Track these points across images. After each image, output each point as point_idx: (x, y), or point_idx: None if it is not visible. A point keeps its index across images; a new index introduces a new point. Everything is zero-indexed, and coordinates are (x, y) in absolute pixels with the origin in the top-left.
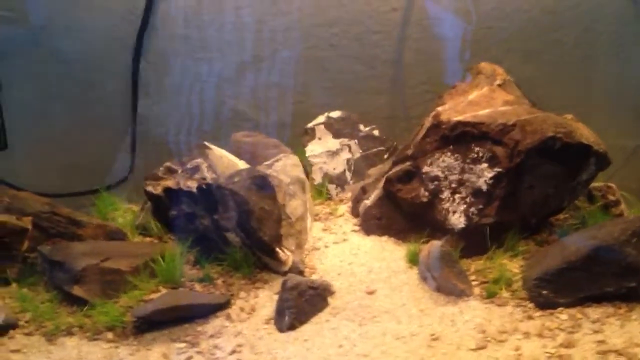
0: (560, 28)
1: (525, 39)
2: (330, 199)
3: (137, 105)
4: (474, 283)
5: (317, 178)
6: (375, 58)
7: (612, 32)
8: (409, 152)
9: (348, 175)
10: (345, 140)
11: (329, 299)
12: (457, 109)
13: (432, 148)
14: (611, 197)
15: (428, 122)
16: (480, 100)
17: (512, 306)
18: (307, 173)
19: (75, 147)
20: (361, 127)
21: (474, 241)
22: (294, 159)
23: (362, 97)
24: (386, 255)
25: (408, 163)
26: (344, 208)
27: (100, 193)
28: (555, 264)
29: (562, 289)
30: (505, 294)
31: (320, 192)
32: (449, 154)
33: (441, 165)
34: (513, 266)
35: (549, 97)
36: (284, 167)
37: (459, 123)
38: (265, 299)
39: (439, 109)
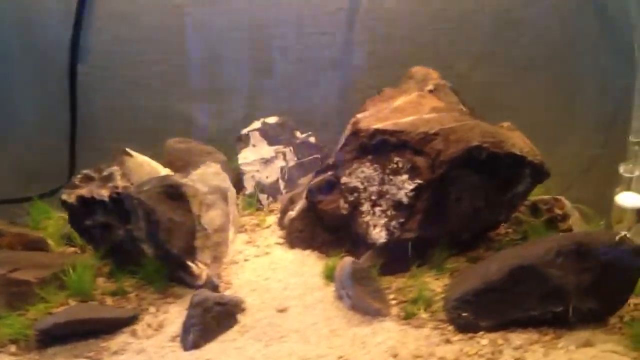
0: (516, 28)
1: (478, 40)
2: (260, 209)
3: (75, 108)
4: (392, 302)
5: (249, 187)
6: (321, 60)
7: (572, 33)
8: (331, 161)
9: (281, 184)
10: (281, 148)
11: (239, 317)
12: (379, 115)
13: (351, 157)
14: (558, 211)
15: (348, 130)
16: (406, 107)
17: (430, 328)
18: (240, 182)
19: (13, 152)
20: (298, 133)
21: (397, 257)
22: (215, 167)
23: (308, 101)
24: (305, 271)
25: (329, 173)
26: (273, 219)
27: (34, 201)
28: (475, 284)
29: (484, 311)
30: (424, 314)
31: (251, 203)
32: (367, 164)
33: (360, 175)
34: (437, 285)
35: (503, 102)
36: (202, 176)
37: (378, 131)
38: (175, 314)
39: (359, 115)
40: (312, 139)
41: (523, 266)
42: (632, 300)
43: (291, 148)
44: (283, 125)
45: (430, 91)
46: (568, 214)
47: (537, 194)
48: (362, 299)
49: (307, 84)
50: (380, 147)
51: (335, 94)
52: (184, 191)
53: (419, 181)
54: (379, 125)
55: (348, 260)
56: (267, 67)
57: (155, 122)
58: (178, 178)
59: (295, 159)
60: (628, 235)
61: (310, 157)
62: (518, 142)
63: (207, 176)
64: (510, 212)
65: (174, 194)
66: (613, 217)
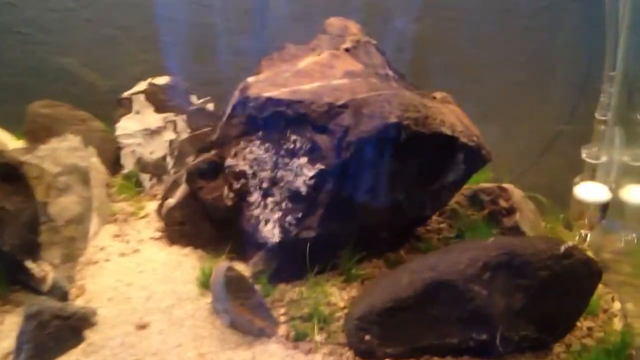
0: None
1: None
2: (141, 193)
3: None
4: (282, 319)
5: (128, 165)
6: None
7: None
8: (214, 137)
9: (169, 162)
10: (171, 116)
11: (87, 333)
12: (276, 80)
13: (238, 133)
14: (503, 204)
15: (234, 97)
16: (312, 70)
17: (323, 354)
18: (118, 157)
19: None
20: (193, 99)
21: (293, 260)
22: (72, 141)
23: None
24: (177, 276)
25: (213, 152)
26: (153, 207)
27: None
28: (382, 300)
29: (391, 334)
30: (318, 336)
31: (128, 185)
32: (258, 142)
33: (249, 157)
34: (342, 297)
35: (462, 75)
36: (53, 152)
37: (270, 101)
38: (11, 326)
39: (250, 79)
40: (210, 106)
41: (440, 282)
42: (586, 324)
43: (184, 117)
44: (175, 88)
45: (347, 50)
46: (515, 207)
47: (483, 180)
48: (241, 315)
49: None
50: (273, 121)
51: (248, 54)
52: (24, 172)
53: (321, 166)
54: (272, 93)
55: (222, 266)
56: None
57: (26, 78)
58: (17, 154)
59: (189, 130)
60: (587, 238)
61: (207, 129)
62: (450, 119)
63: (59, 152)
64: (437, 206)
65: (10, 175)
66: (572, 212)
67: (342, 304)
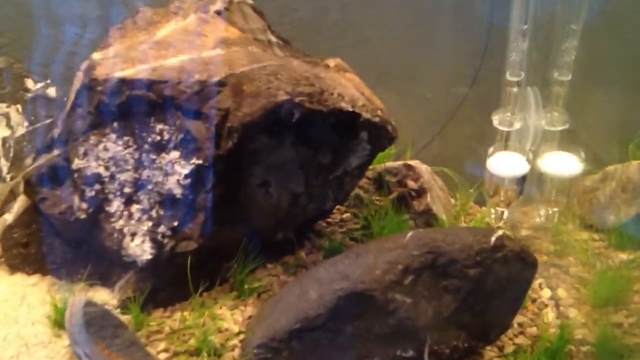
0: None
1: None
2: None
3: None
4: (163, 356)
5: None
6: None
7: None
8: (56, 132)
9: (4, 165)
10: (2, 107)
11: None
12: (130, 55)
13: (86, 127)
14: (411, 184)
15: (77, 80)
16: (177, 39)
17: None
18: None
19: None
20: (29, 83)
21: (171, 280)
22: None
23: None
24: (22, 314)
25: (56, 152)
26: None
27: None
28: (287, 321)
29: None
30: None
31: None
32: (113, 136)
33: (103, 156)
34: (235, 318)
35: (350, 36)
36: None
37: (124, 82)
38: None
39: (96, 55)
40: (51, 91)
41: (355, 293)
42: (516, 319)
43: (18, 107)
44: (6, 71)
45: (219, 12)
46: (424, 187)
47: (385, 158)
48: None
49: None
50: (131, 108)
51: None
52: None
53: (198, 161)
54: (127, 73)
55: (78, 300)
56: None
57: None
58: None
59: (26, 123)
60: (504, 215)
61: (49, 121)
62: (349, 91)
63: None
64: (341, 196)
65: None
66: (486, 187)
67: (236, 329)
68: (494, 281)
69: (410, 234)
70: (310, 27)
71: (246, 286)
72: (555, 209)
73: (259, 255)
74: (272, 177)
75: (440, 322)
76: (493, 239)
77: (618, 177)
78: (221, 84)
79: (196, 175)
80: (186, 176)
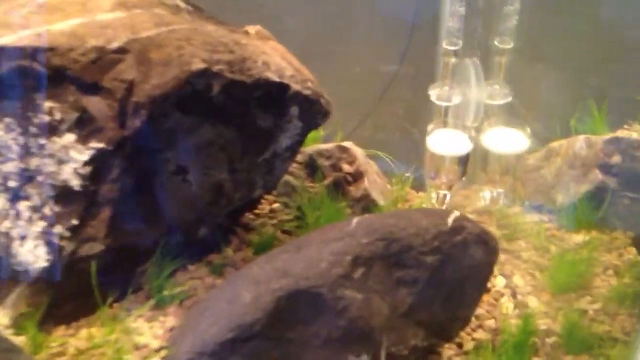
0: None
1: None
2: None
3: None
4: None
5: None
6: None
7: None
8: None
9: None
10: None
11: None
12: (7, 20)
13: None
14: (347, 168)
15: None
16: (65, 2)
17: None
18: None
19: None
20: None
21: (74, 290)
22: None
23: None
24: None
25: None
26: None
27: None
28: (219, 330)
29: None
30: None
31: None
32: None
33: None
34: (155, 331)
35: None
36: None
37: (2, 51)
38: None
39: None
40: None
41: (298, 292)
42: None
43: None
44: None
45: None
46: (361, 171)
47: (314, 140)
48: None
49: None
50: (12, 83)
51: None
52: None
53: (99, 145)
54: (4, 40)
55: None
56: None
57: None
58: None
59: None
60: (447, 199)
61: None
62: (275, 59)
63: None
64: (270, 182)
65: None
66: (426, 169)
67: (156, 344)
68: (454, 269)
69: (357, 219)
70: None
71: (166, 293)
72: (501, 191)
73: (179, 255)
74: (190, 162)
75: (396, 320)
76: (450, 220)
77: (564, 153)
78: (123, 50)
79: (98, 162)
80: (85, 164)
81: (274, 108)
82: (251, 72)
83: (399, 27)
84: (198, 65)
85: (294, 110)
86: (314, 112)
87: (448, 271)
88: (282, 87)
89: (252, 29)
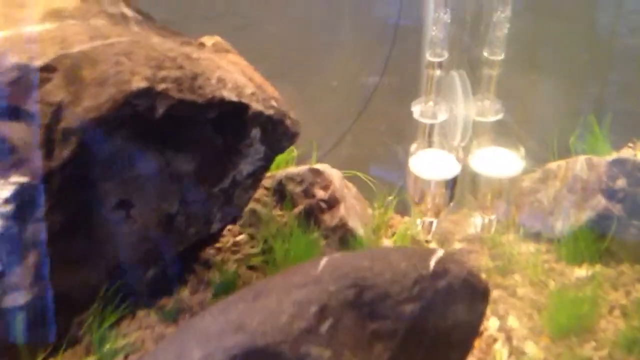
0: None
1: None
2: None
3: None
4: None
5: None
6: None
7: None
8: None
9: None
10: None
11: None
12: None
13: None
14: (320, 194)
15: None
16: None
17: None
18: None
19: None
20: None
21: (1, 348)
22: None
23: None
24: None
25: None
26: None
27: None
28: None
29: None
30: None
31: None
32: None
33: None
34: None
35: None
36: None
37: None
38: None
39: None
40: None
41: (255, 351)
42: None
43: None
44: None
45: None
46: (337, 197)
47: (286, 162)
48: None
49: None
50: None
51: None
52: None
53: (22, 179)
54: None
55: None
56: None
57: None
58: None
59: None
60: (433, 226)
61: None
62: (232, 75)
63: None
64: (230, 214)
65: None
66: (409, 193)
67: None
68: (437, 319)
69: (324, 261)
70: (185, 8)
71: (108, 346)
72: (493, 217)
73: (124, 301)
74: (133, 194)
75: None
76: (433, 262)
77: (562, 176)
78: (50, 68)
79: (21, 198)
80: (6, 201)
81: (231, 131)
82: (203, 91)
83: (381, 35)
84: (138, 84)
85: (255, 133)
86: (278, 134)
87: (430, 321)
88: (241, 107)
89: (208, 40)
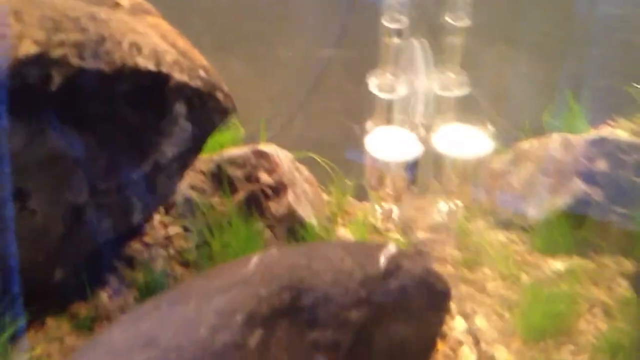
0: None
1: None
2: None
3: None
4: None
5: None
6: None
7: None
8: None
9: None
10: None
11: None
12: None
13: None
14: (265, 178)
15: None
16: None
17: None
18: None
19: None
20: None
21: None
22: None
23: None
24: None
25: None
26: None
27: None
28: None
29: None
30: None
31: None
32: None
33: None
34: None
35: None
36: None
37: None
38: None
39: None
40: None
41: None
42: None
43: None
44: None
45: None
46: (284, 181)
47: (230, 143)
48: None
49: None
50: None
51: None
52: None
53: None
54: None
55: None
56: None
57: None
58: None
59: None
60: (393, 213)
61: None
62: (150, 40)
63: None
64: (153, 203)
65: None
66: (367, 176)
67: None
68: (389, 326)
69: (255, 258)
70: None
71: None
72: (459, 202)
73: (26, 308)
74: (31, 183)
75: None
76: (382, 259)
77: (535, 156)
78: None
79: None
80: None
81: (150, 106)
82: (111, 57)
83: (337, 2)
84: (28, 49)
85: (179, 108)
86: (208, 110)
87: (381, 329)
88: (159, 78)
89: (125, 1)
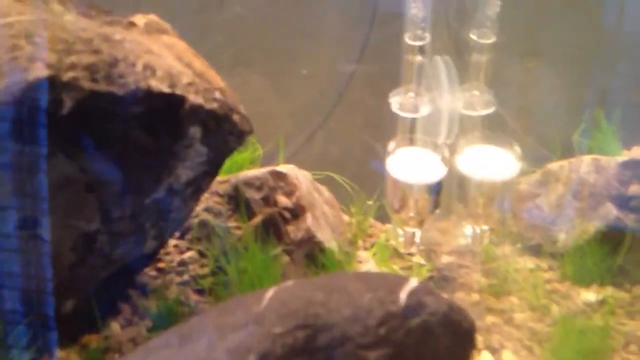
0: None
1: None
2: None
3: None
4: None
5: None
6: None
7: None
8: None
9: None
10: None
11: None
12: None
13: None
14: (283, 201)
15: None
16: None
17: None
18: None
19: None
20: None
21: None
22: None
23: None
24: None
25: None
26: None
27: None
28: None
29: None
30: None
31: None
32: None
33: None
34: None
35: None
36: None
37: None
38: None
39: None
40: None
41: None
42: None
43: None
44: None
45: None
46: (303, 204)
47: (247, 163)
48: None
49: None
50: None
51: None
52: None
53: None
54: None
55: None
56: None
57: None
58: None
59: None
60: (416, 237)
61: None
62: (164, 61)
63: None
64: (167, 230)
65: None
66: (389, 199)
67: None
68: None
69: (270, 293)
70: None
71: None
72: (485, 226)
73: (37, 340)
74: (39, 210)
75: None
76: (404, 294)
77: (565, 178)
78: None
79: None
80: None
81: (164, 129)
82: (125, 80)
83: (359, 16)
84: (39, 72)
85: (194, 131)
86: (223, 133)
87: None
88: (174, 100)
89: (140, 19)
